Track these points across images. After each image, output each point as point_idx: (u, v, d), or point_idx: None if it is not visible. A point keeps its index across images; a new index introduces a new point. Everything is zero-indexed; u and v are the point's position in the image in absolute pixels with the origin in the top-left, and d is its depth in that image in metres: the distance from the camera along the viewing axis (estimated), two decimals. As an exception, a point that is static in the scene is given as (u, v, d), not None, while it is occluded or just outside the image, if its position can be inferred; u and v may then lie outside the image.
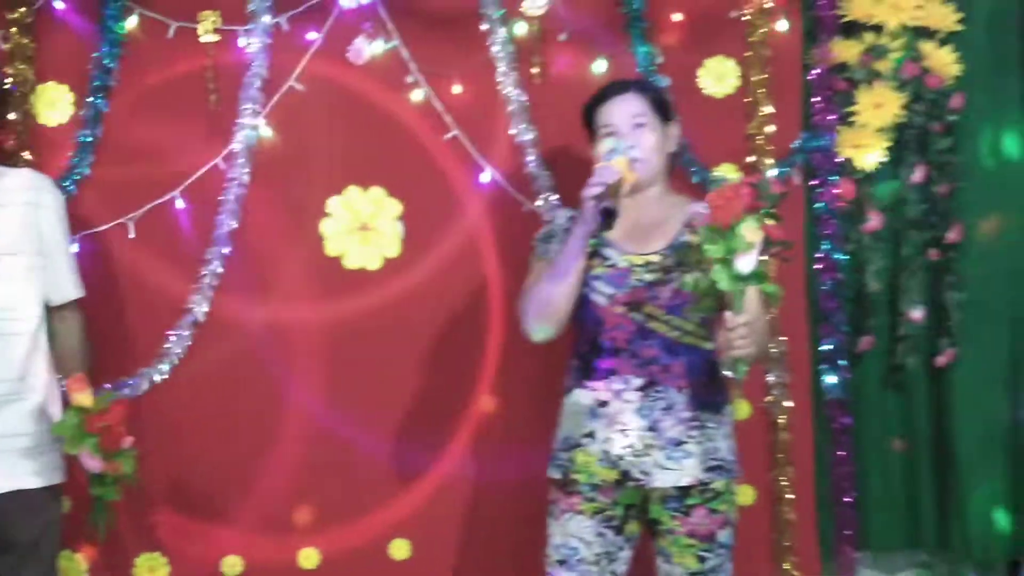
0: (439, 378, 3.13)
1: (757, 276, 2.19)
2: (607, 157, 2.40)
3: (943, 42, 3.15)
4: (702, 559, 2.45)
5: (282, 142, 3.08)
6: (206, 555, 3.09)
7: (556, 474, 2.50)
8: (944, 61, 3.13)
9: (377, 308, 3.11)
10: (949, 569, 3.41)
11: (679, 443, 2.40)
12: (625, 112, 2.50)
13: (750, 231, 2.14)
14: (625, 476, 2.40)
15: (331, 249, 3.10)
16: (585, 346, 2.48)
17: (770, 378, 3.17)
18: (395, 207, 3.12)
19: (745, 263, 2.16)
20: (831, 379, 3.19)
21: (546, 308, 2.43)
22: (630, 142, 2.44)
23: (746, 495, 3.19)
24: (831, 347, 3.19)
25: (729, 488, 2.49)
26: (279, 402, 3.11)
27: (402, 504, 3.13)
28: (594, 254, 2.45)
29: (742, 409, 3.18)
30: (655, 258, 2.44)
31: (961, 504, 3.23)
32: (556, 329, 2.46)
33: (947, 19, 3.14)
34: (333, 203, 3.10)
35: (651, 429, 2.39)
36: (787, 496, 3.18)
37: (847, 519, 3.22)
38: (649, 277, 2.42)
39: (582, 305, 2.46)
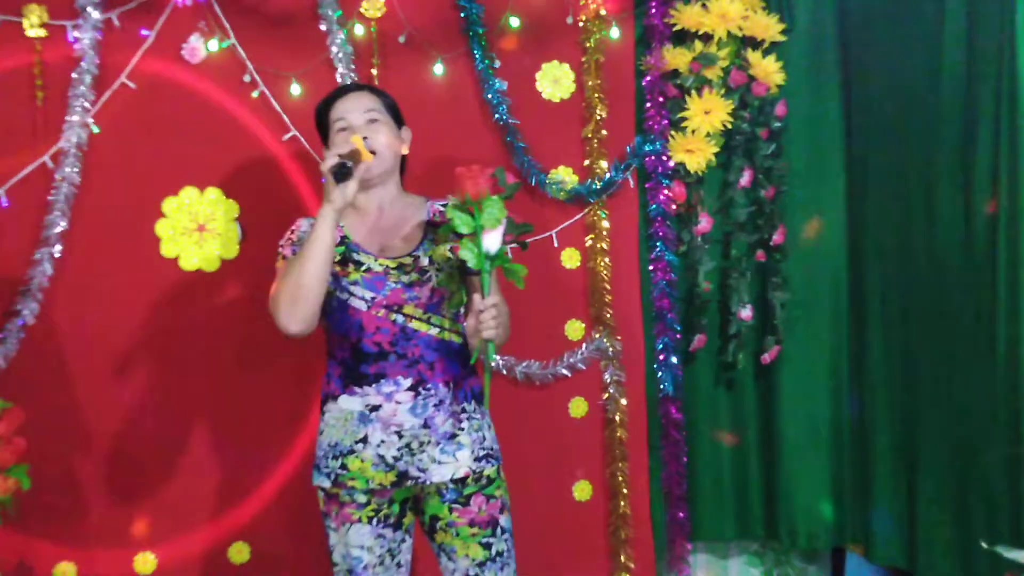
0: (279, 382, 3.11)
1: (502, 256, 2.27)
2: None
3: (767, 51, 3.26)
4: (487, 546, 2.47)
5: (114, 141, 3.02)
6: (37, 563, 3.01)
7: (324, 482, 2.46)
8: (769, 70, 3.23)
9: (215, 311, 3.08)
10: (777, 558, 3.56)
11: (452, 436, 2.43)
12: (359, 106, 2.51)
13: (496, 207, 2.23)
14: (402, 476, 2.41)
15: (167, 251, 3.06)
16: (346, 352, 2.45)
17: (607, 376, 3.24)
18: (232, 208, 3.08)
19: (491, 241, 2.24)
20: (665, 376, 3.27)
21: (298, 291, 2.32)
22: (364, 134, 2.45)
23: (583, 490, 3.26)
24: (664, 345, 3.27)
25: (499, 474, 2.52)
26: (114, 407, 3.05)
27: (242, 508, 3.11)
28: (346, 261, 2.45)
29: (579, 407, 3.25)
30: (407, 260, 2.46)
31: (788, 495, 3.35)
32: (309, 318, 2.35)
33: (771, 29, 3.24)
34: (169, 204, 3.06)
35: (425, 426, 2.41)
36: (623, 491, 3.26)
37: (680, 512, 3.31)
38: (406, 279, 2.44)
39: (341, 311, 2.45)
